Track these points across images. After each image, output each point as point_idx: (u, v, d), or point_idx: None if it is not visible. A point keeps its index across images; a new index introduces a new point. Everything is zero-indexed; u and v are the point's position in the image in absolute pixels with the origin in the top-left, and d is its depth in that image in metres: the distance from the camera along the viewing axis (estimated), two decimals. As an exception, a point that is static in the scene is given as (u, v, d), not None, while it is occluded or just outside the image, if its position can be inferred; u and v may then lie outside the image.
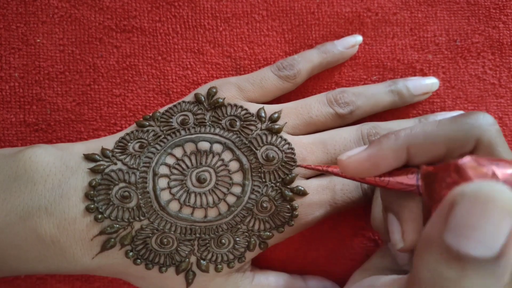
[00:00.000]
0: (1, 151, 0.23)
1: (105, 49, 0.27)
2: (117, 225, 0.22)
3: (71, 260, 0.22)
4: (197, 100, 0.24)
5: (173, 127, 0.24)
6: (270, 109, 0.25)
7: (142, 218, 0.22)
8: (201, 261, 0.23)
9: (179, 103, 0.24)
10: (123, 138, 0.24)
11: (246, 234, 0.23)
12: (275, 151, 0.24)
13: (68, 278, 0.26)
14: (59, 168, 0.22)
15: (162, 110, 0.24)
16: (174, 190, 0.23)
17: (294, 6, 0.28)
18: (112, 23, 0.27)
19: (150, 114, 0.24)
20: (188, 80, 0.27)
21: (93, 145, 0.24)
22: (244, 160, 0.23)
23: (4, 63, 0.27)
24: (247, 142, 0.24)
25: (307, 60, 0.26)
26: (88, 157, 0.23)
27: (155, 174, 0.23)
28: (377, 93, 0.26)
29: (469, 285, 0.13)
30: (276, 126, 0.24)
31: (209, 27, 0.28)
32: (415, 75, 0.28)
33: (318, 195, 0.24)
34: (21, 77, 0.27)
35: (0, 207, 0.21)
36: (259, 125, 0.24)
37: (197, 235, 0.23)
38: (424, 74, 0.28)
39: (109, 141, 0.24)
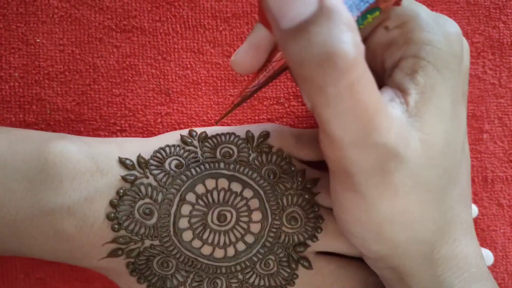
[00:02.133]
0: (31, 134, 0.23)
1: (105, 49, 0.27)
2: (130, 238, 0.22)
3: (80, 257, 0.22)
4: (246, 138, 0.24)
5: (214, 156, 0.23)
6: (311, 173, 0.24)
7: (155, 238, 0.22)
8: None
9: (229, 134, 0.24)
10: (162, 149, 0.23)
11: (240, 284, 0.23)
12: (300, 215, 0.23)
13: (68, 278, 0.26)
14: (89, 168, 0.22)
15: (210, 132, 0.24)
16: (193, 220, 0.23)
17: (294, 6, 0.28)
18: (112, 23, 0.27)
19: (198, 131, 0.24)
20: (188, 80, 0.27)
21: (129, 148, 0.23)
22: (268, 214, 0.23)
23: (4, 63, 0.27)
24: (278, 197, 0.23)
25: None
26: (123, 163, 0.23)
27: (181, 199, 0.23)
28: None
29: (316, 39, 0.14)
30: (310, 193, 0.24)
31: (209, 27, 0.28)
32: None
33: (320, 276, 0.24)
34: (21, 77, 0.27)
35: (24, 197, 0.21)
36: (295, 185, 0.24)
37: (196, 269, 0.23)
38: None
39: (146, 147, 0.23)
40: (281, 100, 0.28)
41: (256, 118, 0.27)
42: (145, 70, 0.27)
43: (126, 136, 0.27)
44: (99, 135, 0.27)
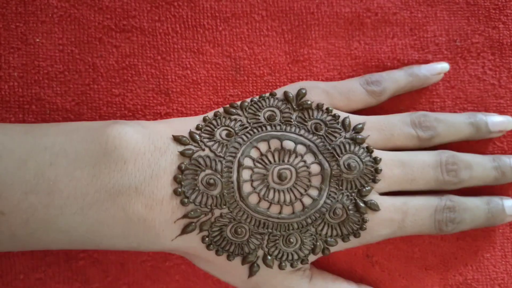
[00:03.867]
0: (84, 124, 0.23)
1: (104, 49, 0.27)
2: (200, 211, 0.23)
3: (153, 239, 0.23)
4: (286, 98, 0.25)
5: (260, 121, 0.24)
6: (354, 119, 0.25)
7: (223, 206, 0.23)
8: (268, 256, 0.24)
9: (268, 98, 0.25)
10: (210, 123, 0.24)
11: (314, 237, 0.24)
12: (356, 161, 0.24)
13: (67, 279, 0.26)
14: (148, 147, 0.23)
15: (249, 100, 0.25)
16: (255, 183, 0.23)
17: (293, 6, 0.28)
18: (111, 23, 0.27)
19: (238, 103, 0.25)
20: (188, 79, 0.27)
21: (179, 127, 0.24)
22: (326, 165, 0.24)
23: (3, 62, 0.27)
24: (330, 148, 0.24)
25: (394, 80, 0.27)
26: (178, 140, 0.23)
27: (240, 165, 0.23)
28: (457, 123, 0.26)
29: None
30: (360, 137, 0.24)
31: (208, 27, 0.28)
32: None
33: (389, 214, 0.24)
34: (20, 76, 0.27)
35: (90, 183, 0.21)
36: (343, 133, 0.24)
37: (269, 230, 0.24)
38: (424, 74, 0.28)
39: (193, 123, 0.24)
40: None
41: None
42: (144, 70, 0.27)
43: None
44: (99, 135, 0.27)
